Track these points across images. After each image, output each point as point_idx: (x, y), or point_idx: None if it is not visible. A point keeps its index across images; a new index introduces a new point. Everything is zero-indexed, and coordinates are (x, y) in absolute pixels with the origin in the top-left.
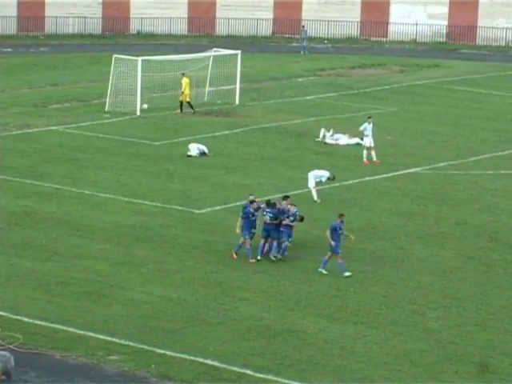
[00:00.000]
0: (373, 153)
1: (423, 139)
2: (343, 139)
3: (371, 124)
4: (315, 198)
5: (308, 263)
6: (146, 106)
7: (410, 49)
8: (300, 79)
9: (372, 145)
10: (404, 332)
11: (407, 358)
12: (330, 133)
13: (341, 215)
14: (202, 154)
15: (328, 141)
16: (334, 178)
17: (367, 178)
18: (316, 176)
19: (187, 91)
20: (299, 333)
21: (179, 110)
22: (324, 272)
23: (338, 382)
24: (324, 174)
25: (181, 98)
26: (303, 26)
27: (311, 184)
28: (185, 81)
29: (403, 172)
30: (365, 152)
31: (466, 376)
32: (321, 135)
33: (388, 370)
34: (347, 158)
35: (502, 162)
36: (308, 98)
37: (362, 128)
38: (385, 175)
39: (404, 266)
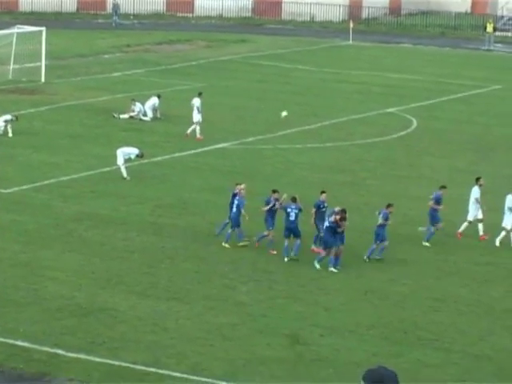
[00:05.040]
0: (198, 128)
1: (231, 114)
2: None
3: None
4: (124, 175)
5: (118, 241)
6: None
7: (217, 24)
8: (106, 56)
9: (198, 120)
10: (216, 306)
11: (219, 332)
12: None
13: (389, 205)
14: (9, 121)
15: (124, 116)
16: (142, 156)
17: (176, 154)
18: (125, 153)
19: None
20: (111, 310)
21: None
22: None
23: (151, 358)
24: (133, 151)
25: None
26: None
27: (120, 161)
28: None
29: (212, 147)
30: (197, 127)
31: (277, 348)
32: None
33: (201, 345)
34: (156, 134)
35: (309, 135)
36: (115, 74)
37: (198, 104)
38: (194, 151)
39: (215, 240)
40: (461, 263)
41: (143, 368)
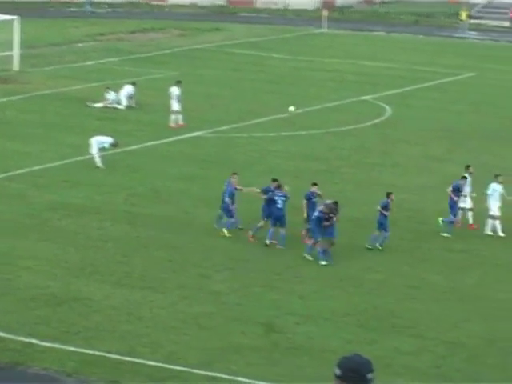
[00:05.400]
0: (180, 116)
1: (205, 103)
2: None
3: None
4: (98, 164)
5: (92, 230)
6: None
7: (190, 13)
8: (80, 44)
9: (178, 109)
10: (190, 295)
11: (194, 321)
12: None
13: (389, 193)
14: None
15: (97, 104)
16: (116, 145)
17: (150, 143)
18: (99, 142)
19: None
20: (85, 300)
21: None
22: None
23: (126, 347)
24: (107, 140)
25: None
26: None
27: (94, 150)
28: None
29: (186, 136)
30: (173, 117)
31: (253, 336)
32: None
33: (176, 334)
34: (130, 123)
35: (283, 124)
36: (89, 63)
37: (177, 93)
38: (167, 140)
39: (189, 229)
40: (435, 250)
41: (118, 357)
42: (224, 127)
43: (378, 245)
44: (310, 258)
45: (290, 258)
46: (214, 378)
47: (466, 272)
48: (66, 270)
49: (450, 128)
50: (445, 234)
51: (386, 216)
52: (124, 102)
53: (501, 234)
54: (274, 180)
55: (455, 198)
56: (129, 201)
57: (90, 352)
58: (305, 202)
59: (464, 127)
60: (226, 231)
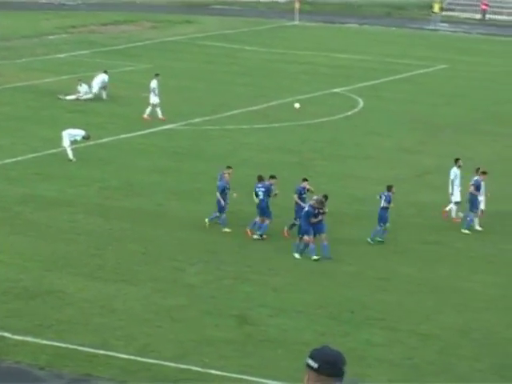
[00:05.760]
0: (158, 109)
1: (178, 95)
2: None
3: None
4: (70, 156)
5: (64, 223)
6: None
7: (162, 5)
8: (51, 37)
9: (157, 102)
10: (164, 288)
11: (167, 314)
12: (82, 88)
13: (389, 187)
14: None
15: (69, 97)
16: (88, 137)
17: (122, 136)
18: (70, 135)
19: None
20: (58, 293)
21: None
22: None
23: (99, 340)
24: (79, 133)
25: None
26: None
27: (66, 143)
28: None
29: (159, 129)
30: (149, 109)
31: (226, 329)
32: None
33: (149, 327)
34: (101, 116)
35: (256, 116)
36: (60, 55)
37: (154, 85)
38: (141, 132)
39: (162, 222)
40: (408, 242)
41: (91, 350)
42: (197, 120)
43: (369, 239)
44: (313, 255)
45: (263, 250)
46: (186, 371)
47: (439, 264)
48: (38, 263)
49: (422, 120)
50: (466, 231)
51: (387, 209)
52: (94, 90)
53: (478, 228)
54: (272, 177)
55: (477, 195)
56: (101, 193)
57: (63, 345)
58: (296, 196)
59: (436, 119)
60: (207, 223)
